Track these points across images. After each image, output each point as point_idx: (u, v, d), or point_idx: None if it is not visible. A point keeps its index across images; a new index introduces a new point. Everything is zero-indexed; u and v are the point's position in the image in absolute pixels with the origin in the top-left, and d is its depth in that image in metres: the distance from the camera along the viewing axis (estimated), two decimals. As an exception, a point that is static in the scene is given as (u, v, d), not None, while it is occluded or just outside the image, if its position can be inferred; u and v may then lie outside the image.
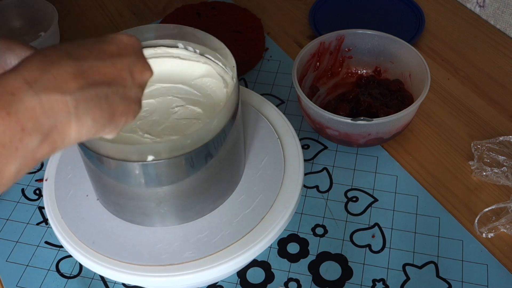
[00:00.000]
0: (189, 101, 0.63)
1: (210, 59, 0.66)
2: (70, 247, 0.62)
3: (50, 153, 0.40)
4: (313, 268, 0.69)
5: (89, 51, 0.43)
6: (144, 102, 0.63)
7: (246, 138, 0.69)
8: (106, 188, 0.61)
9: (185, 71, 0.66)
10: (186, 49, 0.67)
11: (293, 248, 0.71)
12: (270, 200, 0.64)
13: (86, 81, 0.41)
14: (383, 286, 0.67)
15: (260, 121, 0.72)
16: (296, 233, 0.72)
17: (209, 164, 0.59)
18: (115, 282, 0.69)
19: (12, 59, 0.54)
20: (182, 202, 0.61)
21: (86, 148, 0.57)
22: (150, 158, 0.55)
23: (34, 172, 0.81)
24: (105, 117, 0.43)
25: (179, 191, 0.60)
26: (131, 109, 0.45)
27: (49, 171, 0.68)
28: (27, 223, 0.76)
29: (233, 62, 0.62)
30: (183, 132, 0.60)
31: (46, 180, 0.68)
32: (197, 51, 0.67)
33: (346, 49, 0.87)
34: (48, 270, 0.71)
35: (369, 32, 0.85)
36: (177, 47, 0.67)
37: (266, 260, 0.70)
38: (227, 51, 0.63)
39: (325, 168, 0.80)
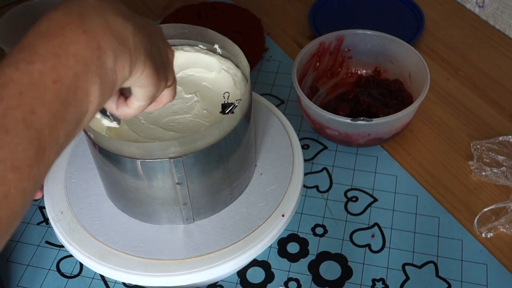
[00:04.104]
0: (204, 99, 0.63)
1: (223, 58, 0.66)
2: (70, 247, 0.62)
3: (118, 83, 0.40)
4: (313, 267, 0.69)
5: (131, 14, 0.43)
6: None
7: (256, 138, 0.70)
8: (114, 184, 0.62)
9: (199, 68, 0.67)
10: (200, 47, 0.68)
11: (293, 248, 0.71)
12: (272, 201, 0.64)
13: (136, 25, 0.41)
14: (383, 286, 0.67)
15: (271, 119, 0.72)
16: (296, 233, 0.73)
17: (220, 164, 0.59)
18: (115, 282, 0.69)
19: None
20: (188, 203, 0.61)
21: (101, 147, 0.57)
22: (160, 156, 0.55)
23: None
24: (151, 66, 0.43)
25: (187, 191, 0.60)
26: (166, 78, 0.46)
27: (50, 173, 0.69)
28: (28, 223, 0.76)
29: (245, 62, 0.62)
30: (193, 131, 0.60)
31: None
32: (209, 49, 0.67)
33: (346, 49, 0.87)
34: (49, 269, 0.71)
35: (369, 32, 0.85)
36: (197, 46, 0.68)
37: (266, 260, 0.70)
38: (240, 53, 0.63)
39: (325, 168, 0.80)
